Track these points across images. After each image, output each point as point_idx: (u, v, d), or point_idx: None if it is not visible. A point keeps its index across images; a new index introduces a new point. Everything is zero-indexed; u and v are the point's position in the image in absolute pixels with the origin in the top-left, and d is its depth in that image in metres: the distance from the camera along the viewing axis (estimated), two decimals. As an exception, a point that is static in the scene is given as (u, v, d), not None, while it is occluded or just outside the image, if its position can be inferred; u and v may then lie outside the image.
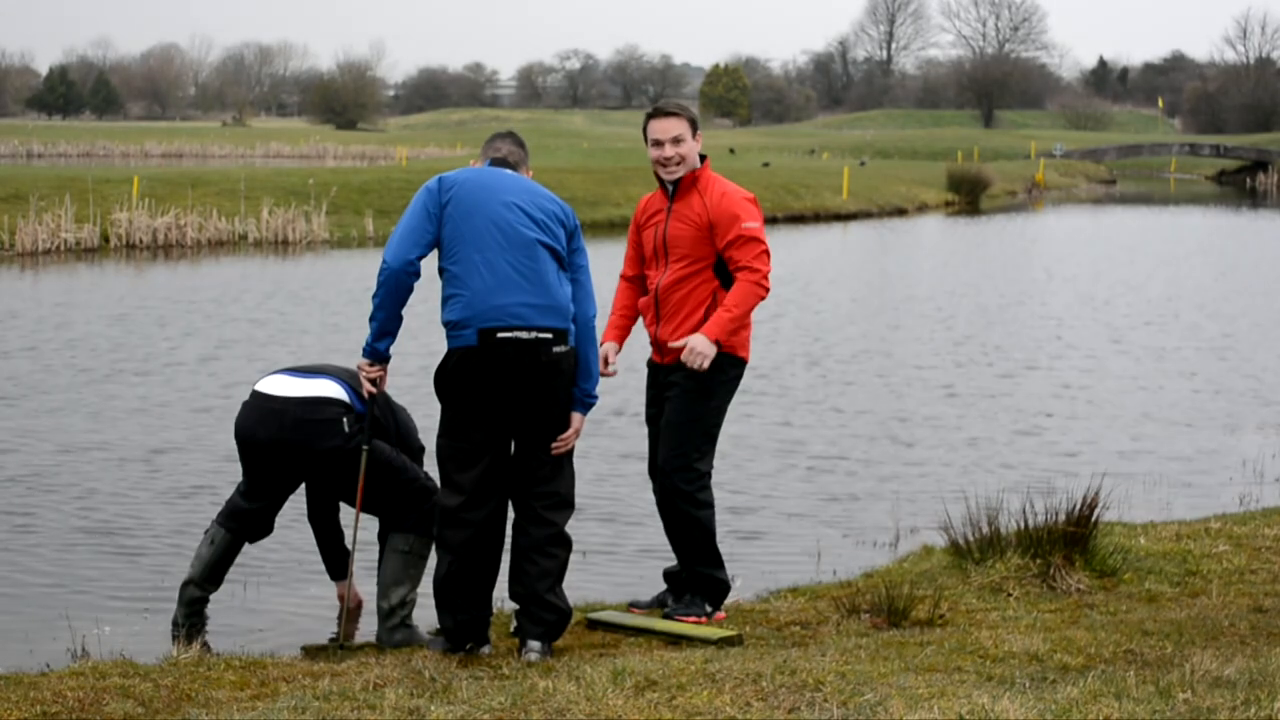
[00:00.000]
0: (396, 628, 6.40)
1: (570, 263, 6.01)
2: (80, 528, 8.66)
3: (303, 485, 6.76)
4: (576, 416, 6.04)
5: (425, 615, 6.51)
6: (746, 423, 12.09)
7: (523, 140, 6.30)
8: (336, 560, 7.03)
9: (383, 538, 6.57)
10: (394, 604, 6.40)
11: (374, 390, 6.21)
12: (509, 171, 6.07)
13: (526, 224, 5.86)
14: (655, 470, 6.66)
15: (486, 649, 6.01)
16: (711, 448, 6.56)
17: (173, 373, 14.03)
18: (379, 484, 6.40)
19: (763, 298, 6.40)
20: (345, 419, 6.34)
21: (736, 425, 11.82)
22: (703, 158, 6.56)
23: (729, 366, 6.49)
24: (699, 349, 6.29)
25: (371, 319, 6.00)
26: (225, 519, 6.62)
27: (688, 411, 6.46)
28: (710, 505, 6.55)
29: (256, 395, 6.52)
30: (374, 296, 5.94)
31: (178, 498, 9.32)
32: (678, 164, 6.49)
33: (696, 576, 6.62)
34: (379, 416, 6.47)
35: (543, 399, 5.88)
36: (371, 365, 6.13)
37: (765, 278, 6.39)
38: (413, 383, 12.41)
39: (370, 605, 6.91)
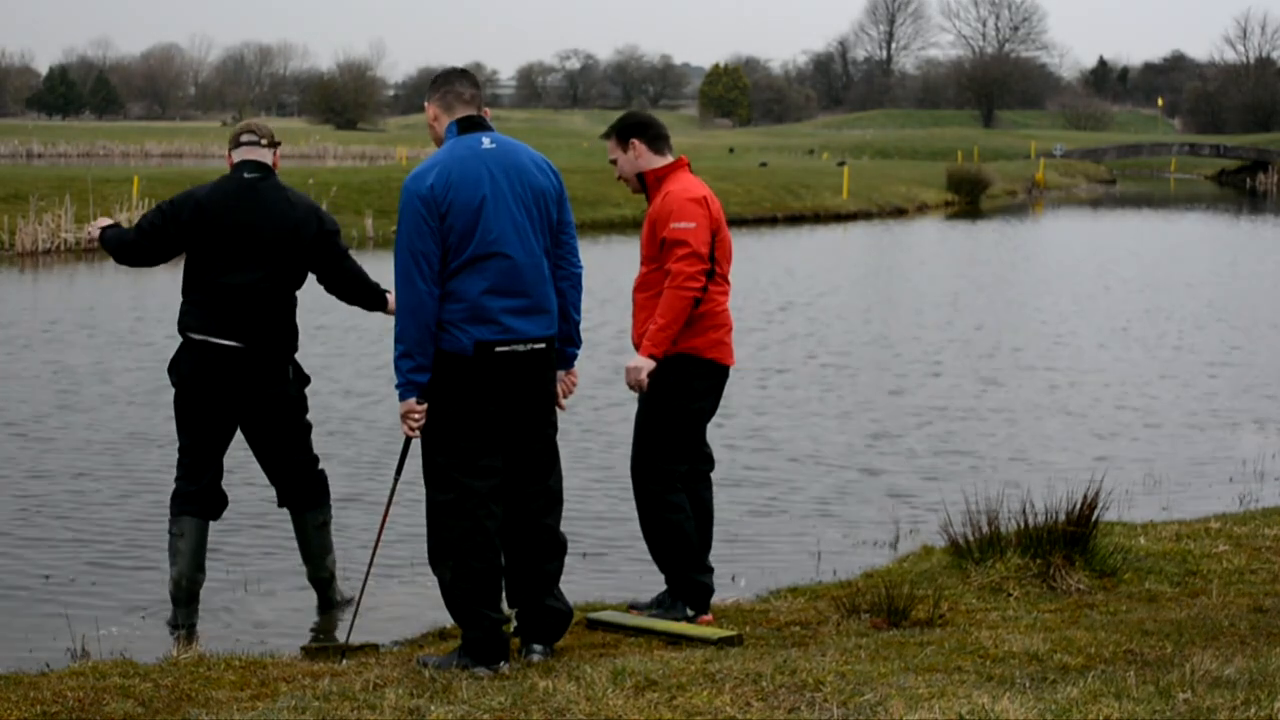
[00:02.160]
0: (335, 589, 7.12)
1: (561, 221, 5.89)
2: (80, 527, 8.67)
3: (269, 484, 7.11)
4: (566, 375, 6.06)
5: (428, 615, 6.51)
6: (746, 423, 12.09)
7: (471, 73, 5.96)
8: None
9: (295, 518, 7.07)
10: (331, 571, 7.09)
11: (414, 435, 5.82)
12: (487, 144, 5.73)
13: (523, 219, 5.72)
14: None
15: (505, 666, 5.71)
16: (678, 447, 6.52)
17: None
18: (305, 468, 6.96)
19: (689, 299, 6.35)
20: (290, 366, 6.86)
21: (736, 425, 11.83)
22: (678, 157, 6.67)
23: (684, 366, 6.46)
24: (632, 367, 6.40)
25: (406, 354, 5.62)
26: (182, 506, 6.80)
27: (646, 411, 6.52)
28: (681, 509, 6.51)
29: (217, 346, 6.67)
30: (401, 334, 5.61)
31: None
32: (624, 178, 6.75)
33: (674, 579, 6.62)
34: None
35: (534, 399, 5.83)
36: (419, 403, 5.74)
37: (688, 279, 6.34)
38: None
39: (361, 606, 6.98)
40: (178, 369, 6.80)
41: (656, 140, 6.63)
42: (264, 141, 6.95)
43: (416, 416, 5.69)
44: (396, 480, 6.09)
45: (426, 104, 5.92)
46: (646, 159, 6.61)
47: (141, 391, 13.05)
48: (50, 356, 14.81)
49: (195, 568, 6.76)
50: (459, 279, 5.65)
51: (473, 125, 5.81)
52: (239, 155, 6.94)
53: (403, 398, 5.70)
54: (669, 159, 6.63)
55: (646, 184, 6.62)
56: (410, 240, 5.62)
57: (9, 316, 17.85)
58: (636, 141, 6.61)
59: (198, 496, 6.78)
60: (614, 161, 6.74)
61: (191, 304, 6.74)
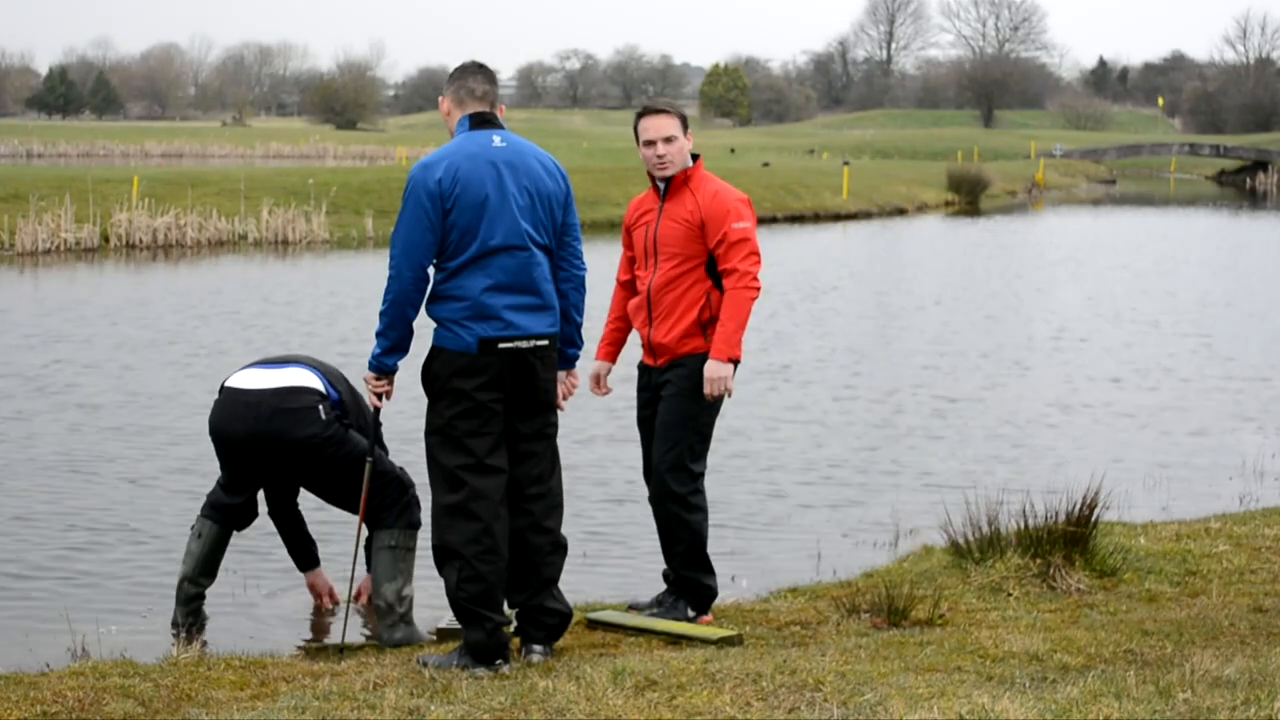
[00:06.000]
0: (395, 625, 6.42)
1: (566, 224, 5.88)
2: (80, 527, 8.66)
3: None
4: (567, 377, 6.04)
5: (426, 613, 6.52)
6: (746, 423, 12.09)
7: (489, 70, 5.96)
8: (303, 551, 7.11)
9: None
10: (390, 601, 6.43)
11: (379, 404, 6.04)
12: (498, 143, 5.76)
13: (527, 218, 5.74)
14: (649, 472, 6.67)
15: (505, 666, 5.70)
16: (705, 448, 6.54)
17: (160, 365, 14.03)
18: (372, 490, 6.41)
19: (754, 298, 6.39)
20: (320, 406, 6.45)
21: (736, 425, 11.82)
22: (695, 156, 6.56)
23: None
24: (714, 375, 6.34)
25: (383, 334, 5.74)
26: (210, 511, 6.71)
27: (681, 411, 6.45)
28: (702, 510, 6.51)
29: (229, 391, 6.58)
30: (384, 312, 5.70)
31: (178, 496, 9.32)
32: (670, 162, 6.46)
33: (681, 580, 6.61)
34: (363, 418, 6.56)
35: (537, 396, 5.83)
36: (378, 380, 5.89)
37: (755, 279, 6.38)
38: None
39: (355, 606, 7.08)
40: (210, 418, 6.67)
41: None
42: None
43: (381, 389, 5.89)
44: (370, 461, 6.24)
45: (441, 97, 5.94)
46: (687, 155, 6.57)
47: (145, 395, 13.05)
48: (50, 354, 14.82)
49: (202, 572, 6.71)
50: (461, 277, 5.66)
51: (484, 122, 5.83)
52: None
53: (370, 368, 5.85)
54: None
55: (672, 182, 6.50)
56: (409, 229, 5.68)
57: (18, 313, 17.87)
58: (690, 132, 6.57)
59: (229, 508, 6.68)
60: (664, 140, 6.39)
61: None
